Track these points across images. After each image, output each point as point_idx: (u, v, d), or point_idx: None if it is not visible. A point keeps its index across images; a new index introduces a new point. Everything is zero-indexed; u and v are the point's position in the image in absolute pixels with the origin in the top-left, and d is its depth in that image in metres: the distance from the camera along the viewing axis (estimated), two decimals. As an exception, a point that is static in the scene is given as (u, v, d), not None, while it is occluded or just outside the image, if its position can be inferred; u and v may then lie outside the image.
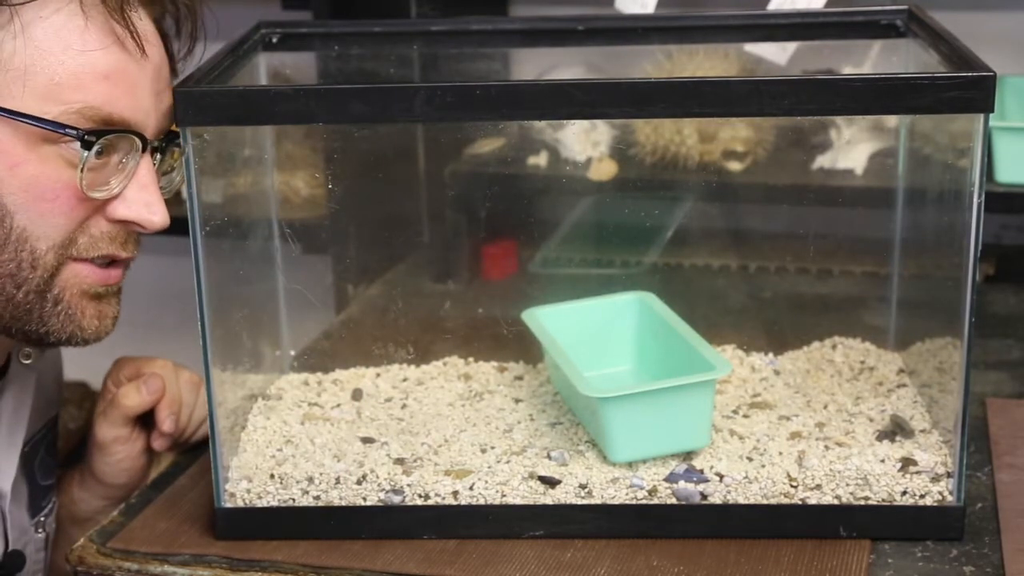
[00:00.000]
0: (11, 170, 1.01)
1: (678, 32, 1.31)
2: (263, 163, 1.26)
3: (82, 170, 1.01)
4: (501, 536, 1.09)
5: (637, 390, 1.10)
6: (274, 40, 1.25)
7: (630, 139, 1.56)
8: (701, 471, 1.08)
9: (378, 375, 1.29)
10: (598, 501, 1.09)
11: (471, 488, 1.09)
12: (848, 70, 1.37)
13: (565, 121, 1.38)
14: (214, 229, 1.08)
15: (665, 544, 1.08)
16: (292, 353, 1.32)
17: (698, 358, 1.12)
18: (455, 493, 1.09)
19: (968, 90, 0.97)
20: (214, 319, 1.08)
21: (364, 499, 1.10)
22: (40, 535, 1.26)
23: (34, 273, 1.04)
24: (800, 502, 1.08)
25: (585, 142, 1.51)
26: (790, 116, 1.00)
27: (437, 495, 1.09)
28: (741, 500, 1.08)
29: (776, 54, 1.44)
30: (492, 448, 1.13)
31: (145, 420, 1.24)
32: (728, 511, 1.08)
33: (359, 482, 1.10)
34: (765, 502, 1.08)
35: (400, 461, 1.12)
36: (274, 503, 1.10)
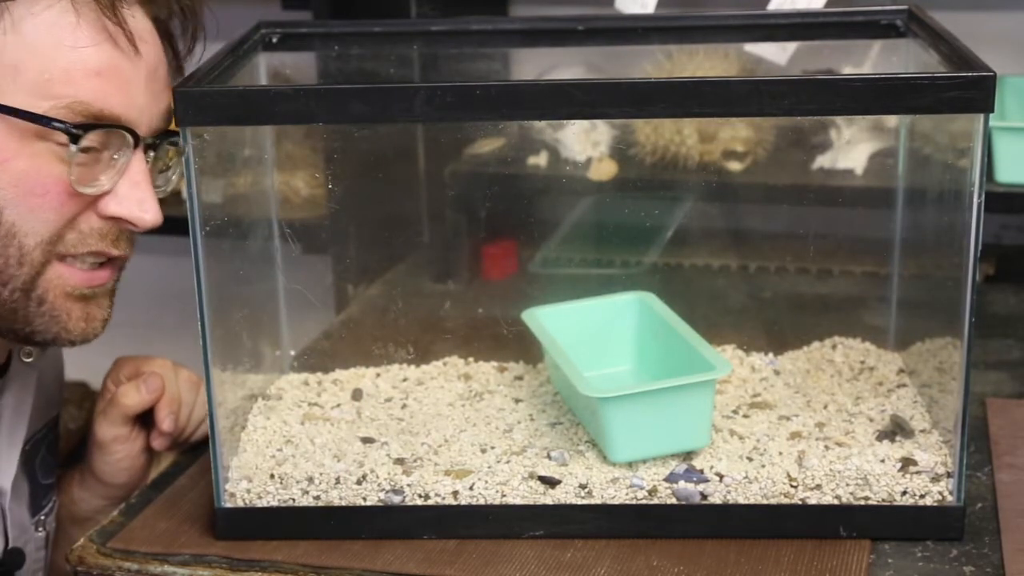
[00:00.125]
0: (1, 165, 1.01)
1: (678, 32, 1.31)
2: (263, 163, 1.26)
3: (70, 164, 1.01)
4: (501, 536, 1.09)
5: (637, 390, 1.10)
6: (274, 40, 1.25)
7: (630, 139, 1.56)
8: (701, 471, 1.08)
9: (378, 375, 1.29)
10: (598, 501, 1.09)
11: (471, 488, 1.09)
12: (848, 70, 1.37)
13: (565, 121, 1.38)
14: (214, 229, 1.08)
15: (665, 544, 1.08)
16: (292, 353, 1.32)
17: (698, 358, 1.12)
18: (455, 493, 1.09)
19: (968, 90, 0.97)
20: (214, 319, 1.08)
21: (364, 499, 1.10)
22: (40, 534, 1.26)
23: (20, 270, 1.04)
24: (800, 502, 1.08)
25: (585, 142, 1.51)
26: (790, 116, 1.00)
27: (437, 495, 1.09)
28: (741, 500, 1.08)
29: (776, 54, 1.44)
30: (492, 448, 1.13)
31: (145, 419, 1.24)
32: (728, 511, 1.08)
33: (359, 482, 1.10)
34: (765, 502, 1.08)
35: (400, 461, 1.12)
36: (274, 503, 1.10)
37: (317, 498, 1.10)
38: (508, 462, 1.11)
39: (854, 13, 1.24)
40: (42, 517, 1.26)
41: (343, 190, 1.29)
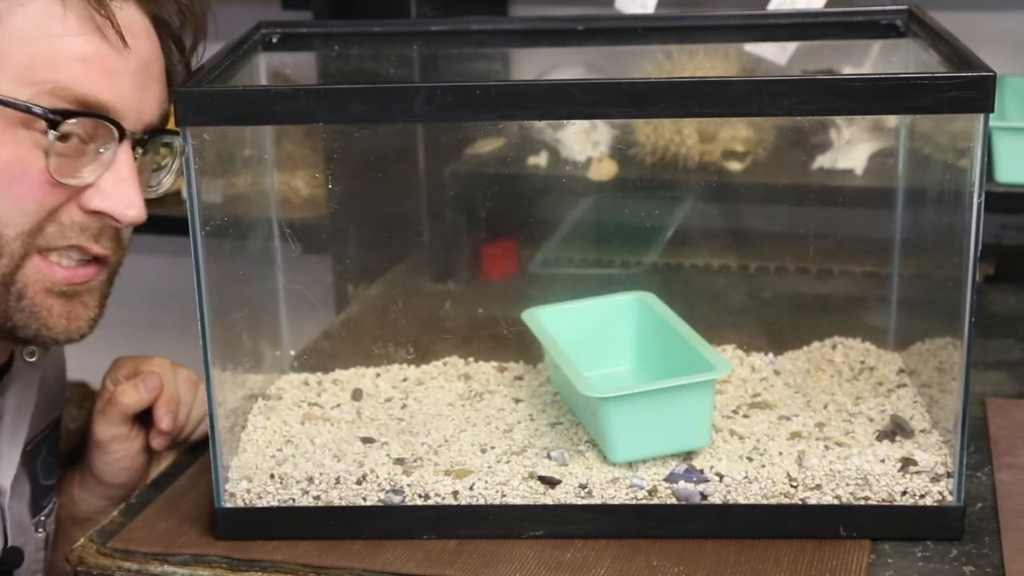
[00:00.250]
0: None
1: (678, 32, 1.31)
2: (263, 163, 1.26)
3: (48, 152, 1.01)
4: (501, 536, 1.09)
5: (637, 390, 1.10)
6: (274, 40, 1.25)
7: (630, 139, 1.56)
8: (701, 471, 1.08)
9: (378, 375, 1.29)
10: (598, 501, 1.09)
11: (471, 488, 1.09)
12: (848, 70, 1.37)
13: (565, 121, 1.38)
14: (214, 229, 1.08)
15: (665, 544, 1.08)
16: (292, 353, 1.32)
17: (698, 358, 1.12)
18: (455, 493, 1.09)
19: (968, 90, 0.97)
20: (214, 319, 1.08)
21: (364, 499, 1.10)
22: (40, 535, 1.26)
23: None
24: (800, 502, 1.08)
25: (585, 142, 1.51)
26: (790, 116, 1.00)
27: (437, 495, 1.09)
28: (741, 500, 1.08)
29: (776, 54, 1.44)
30: (492, 448, 1.13)
31: (144, 419, 1.24)
32: (728, 511, 1.08)
33: (359, 482, 1.10)
34: (765, 502, 1.08)
35: (400, 461, 1.12)
36: (274, 503, 1.10)
37: (317, 498, 1.10)
38: (508, 462, 1.11)
39: (854, 13, 1.24)
40: (42, 518, 1.26)
41: (343, 190, 1.29)
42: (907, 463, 1.08)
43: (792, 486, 1.08)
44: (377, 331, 1.35)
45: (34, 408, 1.23)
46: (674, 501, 1.08)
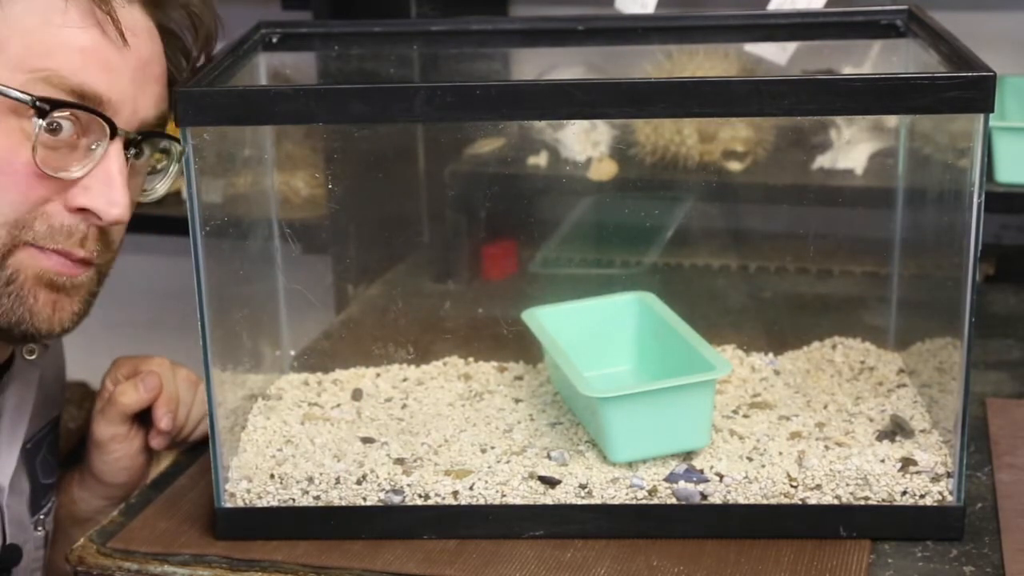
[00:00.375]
0: None
1: (678, 32, 1.31)
2: (263, 163, 1.26)
3: (36, 140, 1.00)
4: (501, 536, 1.09)
5: (637, 390, 1.10)
6: (274, 40, 1.25)
7: (630, 139, 1.56)
8: (701, 471, 1.08)
9: (378, 375, 1.29)
10: (598, 501, 1.09)
11: (471, 488, 1.09)
12: (848, 70, 1.37)
13: (565, 121, 1.38)
14: (214, 229, 1.08)
15: (665, 544, 1.08)
16: (292, 353, 1.32)
17: (698, 358, 1.12)
18: (455, 493, 1.09)
19: (968, 90, 0.97)
20: (214, 319, 1.08)
21: (364, 499, 1.10)
22: (39, 533, 1.26)
23: None
24: (800, 502, 1.08)
25: (585, 142, 1.51)
26: (790, 116, 1.00)
27: (437, 495, 1.09)
28: (741, 500, 1.08)
29: (776, 54, 1.44)
30: (492, 448, 1.13)
31: (143, 419, 1.24)
32: (728, 511, 1.08)
33: (359, 482, 1.10)
34: (765, 502, 1.08)
35: (400, 461, 1.12)
36: (274, 503, 1.10)
37: (317, 498, 1.10)
38: (508, 462, 1.11)
39: (854, 13, 1.24)
40: (41, 516, 1.26)
41: (343, 190, 1.29)
42: (907, 463, 1.08)
43: (792, 486, 1.08)
44: (377, 331, 1.35)
45: (33, 406, 1.23)
46: (674, 501, 1.08)
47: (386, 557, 1.07)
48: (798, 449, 1.10)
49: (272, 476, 1.10)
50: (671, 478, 1.08)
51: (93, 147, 1.04)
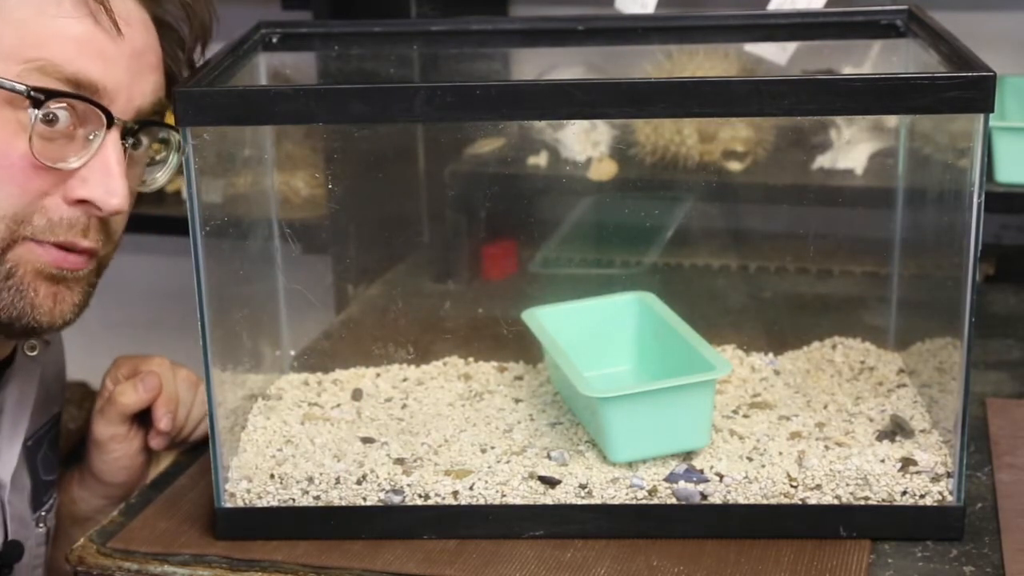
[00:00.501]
0: None
1: (678, 32, 1.31)
2: (263, 163, 1.26)
3: (32, 131, 1.00)
4: (501, 536, 1.09)
5: (637, 390, 1.10)
6: (274, 40, 1.25)
7: (630, 139, 1.56)
8: (701, 471, 1.08)
9: (378, 375, 1.29)
10: (598, 501, 1.09)
11: (471, 488, 1.09)
12: (848, 70, 1.37)
13: (565, 121, 1.38)
14: (214, 229, 1.08)
15: (665, 544, 1.08)
16: (292, 353, 1.32)
17: (698, 358, 1.12)
18: (455, 493, 1.09)
19: (968, 90, 0.97)
20: (214, 319, 1.08)
21: (364, 499, 1.10)
22: (41, 530, 1.26)
23: None
24: (800, 502, 1.08)
25: (585, 142, 1.51)
26: (790, 116, 1.00)
27: (437, 495, 1.09)
28: (741, 500, 1.08)
29: (776, 54, 1.44)
30: (492, 448, 1.13)
31: (143, 419, 1.24)
32: (728, 511, 1.08)
33: (359, 482, 1.10)
34: (765, 502, 1.08)
35: (400, 461, 1.12)
36: (274, 503, 1.10)
37: (317, 498, 1.10)
38: (508, 462, 1.11)
39: (854, 13, 1.24)
40: (43, 513, 1.26)
41: (343, 190, 1.29)
42: (907, 463, 1.08)
43: (792, 486, 1.08)
44: (377, 331, 1.35)
45: (35, 403, 1.23)
46: (674, 501, 1.08)
47: (386, 557, 1.07)
48: (798, 449, 1.10)
49: (272, 476, 1.10)
50: (671, 478, 1.08)
51: (90, 137, 1.04)
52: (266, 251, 1.25)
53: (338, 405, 1.23)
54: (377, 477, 1.10)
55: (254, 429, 1.17)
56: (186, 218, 1.05)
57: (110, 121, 1.04)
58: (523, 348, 1.27)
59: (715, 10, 1.28)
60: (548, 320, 1.22)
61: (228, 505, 1.10)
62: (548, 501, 1.09)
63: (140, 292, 2.11)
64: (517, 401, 1.22)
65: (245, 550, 1.09)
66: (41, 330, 1.09)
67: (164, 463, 1.28)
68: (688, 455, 1.10)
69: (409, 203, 1.59)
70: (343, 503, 1.10)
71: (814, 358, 1.29)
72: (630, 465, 1.09)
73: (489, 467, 1.10)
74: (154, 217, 1.74)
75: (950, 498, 1.07)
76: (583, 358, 1.17)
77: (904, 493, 1.07)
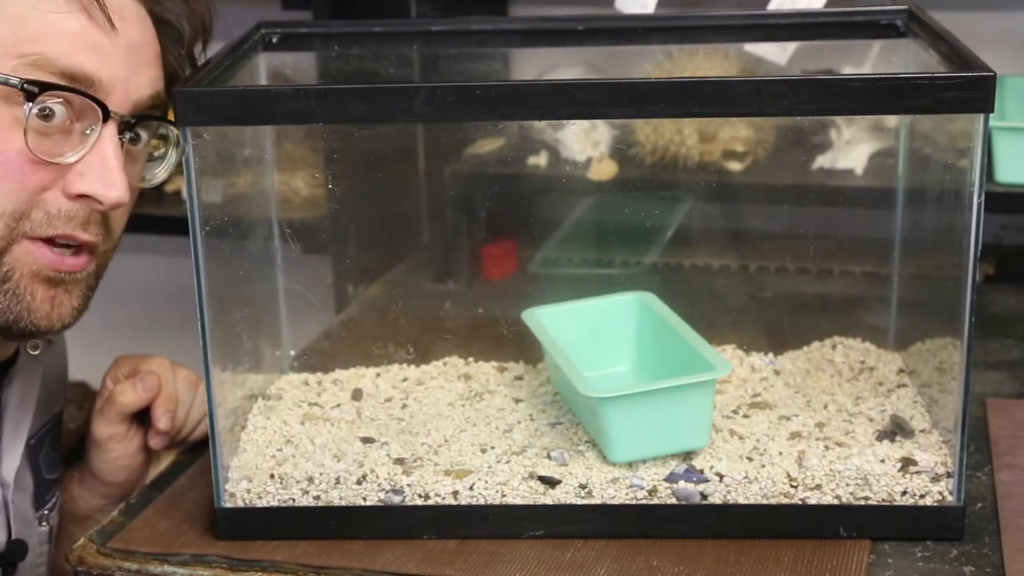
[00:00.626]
0: None
1: (678, 32, 1.31)
2: (263, 163, 1.26)
3: (26, 124, 1.00)
4: (501, 536, 1.09)
5: (637, 390, 1.10)
6: (274, 40, 1.25)
7: (630, 139, 1.56)
8: (701, 471, 1.08)
9: (378, 375, 1.29)
10: (598, 501, 1.09)
11: (471, 488, 1.09)
12: (848, 70, 1.37)
13: (565, 121, 1.38)
14: (214, 229, 1.08)
15: (665, 544, 1.08)
16: (292, 353, 1.32)
17: (698, 358, 1.12)
18: (455, 493, 1.09)
19: (968, 90, 0.97)
20: (214, 319, 1.08)
21: (364, 499, 1.10)
22: (44, 528, 1.26)
23: None
24: (800, 502, 1.08)
25: (585, 142, 1.51)
26: (790, 116, 1.00)
27: (437, 495, 1.09)
28: (741, 500, 1.08)
29: (776, 54, 1.44)
30: (492, 448, 1.13)
31: (143, 418, 1.24)
32: (728, 511, 1.08)
33: (359, 482, 1.10)
34: (765, 502, 1.08)
35: (400, 461, 1.12)
36: (274, 503, 1.10)
37: (317, 498, 1.10)
38: (508, 462, 1.11)
39: (854, 13, 1.24)
40: (46, 512, 1.26)
41: (343, 190, 1.29)
42: (907, 463, 1.08)
43: (792, 486, 1.08)
44: (377, 331, 1.35)
45: (37, 402, 1.23)
46: (674, 501, 1.08)
47: (386, 557, 1.07)
48: (798, 449, 1.10)
49: (272, 476, 1.10)
50: (671, 478, 1.08)
51: (87, 132, 1.04)
52: (266, 251, 1.25)
53: (338, 405, 1.23)
54: (377, 477, 1.10)
55: (254, 429, 1.17)
56: (186, 218, 1.05)
57: (106, 114, 1.04)
58: (523, 348, 1.27)
59: (715, 10, 1.28)
60: (548, 320, 1.22)
61: (228, 505, 1.10)
62: (548, 501, 1.09)
63: (140, 292, 2.11)
64: (517, 401, 1.22)
65: (245, 550, 1.09)
66: (39, 333, 1.09)
67: (164, 463, 1.28)
68: (688, 455, 1.10)
69: (409, 203, 1.59)
70: (343, 503, 1.10)
71: (814, 358, 1.29)
72: (630, 465, 1.09)
73: (489, 467, 1.10)
74: (154, 217, 1.74)
75: (950, 498, 1.07)
76: (583, 358, 1.17)
77: (904, 493, 1.07)
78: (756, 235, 1.54)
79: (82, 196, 1.04)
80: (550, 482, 1.09)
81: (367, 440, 1.16)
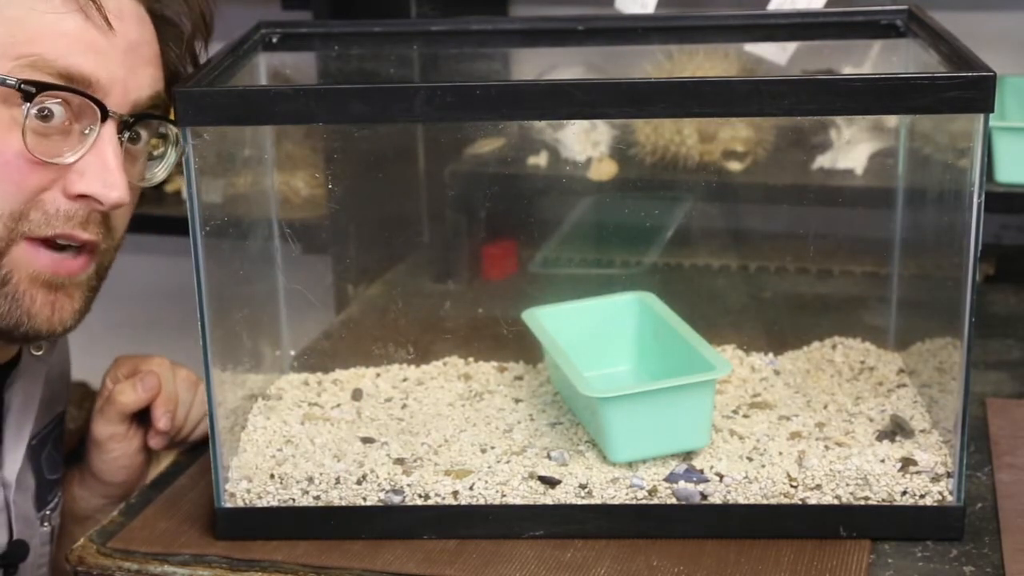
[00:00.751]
0: None
1: (678, 32, 1.31)
2: (263, 163, 1.26)
3: (24, 125, 1.00)
4: (501, 536, 1.09)
5: (637, 390, 1.10)
6: (274, 40, 1.25)
7: (630, 139, 1.56)
8: (701, 471, 1.08)
9: (378, 375, 1.29)
10: (598, 501, 1.09)
11: (471, 488, 1.09)
12: (848, 70, 1.37)
13: (565, 121, 1.38)
14: (214, 229, 1.08)
15: (665, 544, 1.08)
16: (292, 353, 1.32)
17: (698, 358, 1.12)
18: (455, 493, 1.09)
19: (968, 90, 0.97)
20: (214, 319, 1.08)
21: (364, 499, 1.10)
22: (45, 529, 1.26)
23: None
24: (800, 502, 1.08)
25: (585, 142, 1.51)
26: (790, 116, 1.00)
27: (437, 495, 1.09)
28: (741, 500, 1.08)
29: (776, 54, 1.44)
30: (492, 448, 1.13)
31: (142, 418, 1.24)
32: (728, 511, 1.08)
33: (359, 482, 1.10)
34: (765, 502, 1.08)
35: (400, 461, 1.12)
36: (274, 503, 1.10)
37: (317, 498, 1.10)
38: (508, 462, 1.11)
39: (854, 13, 1.24)
40: (47, 512, 1.26)
41: (343, 190, 1.29)
42: (907, 463, 1.08)
43: (792, 486, 1.08)
44: (377, 331, 1.35)
45: (40, 403, 1.23)
46: (674, 501, 1.08)
47: (386, 557, 1.07)
48: (798, 449, 1.10)
49: (272, 476, 1.10)
50: (671, 478, 1.08)
51: (86, 132, 1.04)
52: (266, 251, 1.25)
53: (338, 405, 1.23)
54: (377, 477, 1.10)
55: (254, 429, 1.17)
56: (186, 218, 1.05)
57: (104, 114, 1.03)
58: (523, 348, 1.27)
59: (715, 10, 1.28)
60: (548, 320, 1.22)
61: (228, 505, 1.10)
62: (548, 501, 1.09)
63: (140, 292, 2.11)
64: (517, 401, 1.22)
65: (245, 550, 1.09)
66: (40, 337, 1.09)
67: (164, 463, 1.28)
68: (688, 455, 1.10)
69: (409, 203, 1.59)
70: (343, 503, 1.10)
71: (814, 358, 1.29)
72: (630, 465, 1.09)
73: (489, 467, 1.10)
74: (154, 217, 1.74)
75: (950, 498, 1.07)
76: (583, 358, 1.17)
77: (904, 493, 1.07)
78: (756, 235, 1.54)
79: (82, 196, 1.04)
80: (550, 482, 1.09)
81: (367, 440, 1.16)
